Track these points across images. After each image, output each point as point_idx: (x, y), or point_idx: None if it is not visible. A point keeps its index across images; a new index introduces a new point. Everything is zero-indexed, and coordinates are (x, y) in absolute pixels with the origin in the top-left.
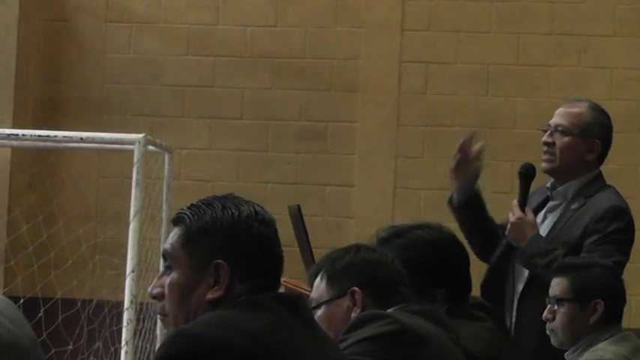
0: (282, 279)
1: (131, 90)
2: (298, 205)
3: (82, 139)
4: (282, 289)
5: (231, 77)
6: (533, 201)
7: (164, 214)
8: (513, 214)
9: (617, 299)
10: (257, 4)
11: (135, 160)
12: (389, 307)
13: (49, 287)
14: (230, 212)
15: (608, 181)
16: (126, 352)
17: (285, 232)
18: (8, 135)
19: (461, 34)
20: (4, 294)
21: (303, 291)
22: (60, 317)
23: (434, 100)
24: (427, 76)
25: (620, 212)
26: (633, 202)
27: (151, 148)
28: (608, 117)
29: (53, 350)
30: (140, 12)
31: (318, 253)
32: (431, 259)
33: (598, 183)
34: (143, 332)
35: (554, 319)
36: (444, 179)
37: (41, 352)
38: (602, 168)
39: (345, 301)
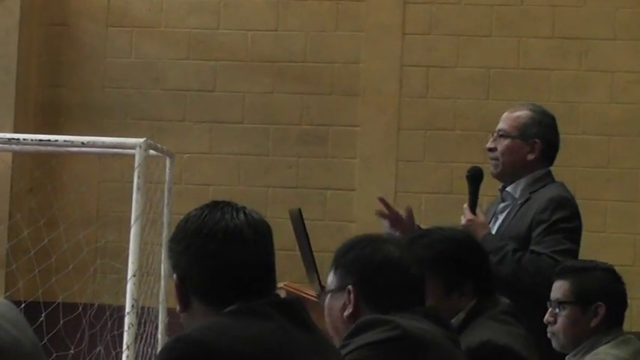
0: (283, 283)
1: (132, 94)
2: (299, 209)
3: (83, 143)
4: (283, 294)
5: (232, 81)
6: (490, 212)
7: (165, 219)
8: (464, 217)
9: (618, 302)
10: (258, 8)
11: (136, 164)
12: (384, 312)
13: (50, 291)
14: (186, 227)
15: (609, 185)
16: (127, 356)
17: (286, 236)
18: (9, 139)
19: (461, 37)
20: (5, 298)
21: (305, 295)
22: (61, 321)
23: (435, 104)
24: (428, 80)
25: (563, 201)
26: (635, 206)
27: (152, 152)
28: (551, 117)
29: (54, 354)
30: (141, 16)
31: (320, 257)
32: (454, 252)
33: (545, 180)
34: (144, 336)
35: (555, 322)
36: (444, 183)
37: (43, 355)
38: (603, 171)
39: (343, 297)
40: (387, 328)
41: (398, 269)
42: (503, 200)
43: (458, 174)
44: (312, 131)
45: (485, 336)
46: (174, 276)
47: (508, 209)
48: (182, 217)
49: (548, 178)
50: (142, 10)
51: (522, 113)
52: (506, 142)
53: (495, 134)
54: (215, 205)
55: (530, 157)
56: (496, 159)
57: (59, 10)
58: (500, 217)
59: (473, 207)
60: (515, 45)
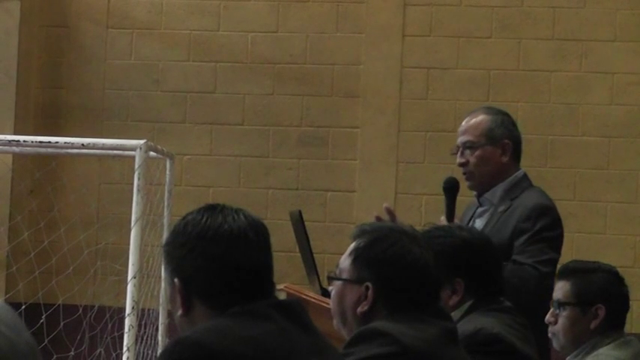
0: (284, 285)
1: (132, 96)
2: (299, 211)
3: (83, 145)
4: (283, 296)
5: (233, 83)
6: (467, 216)
7: (165, 220)
8: None
9: (619, 304)
10: (258, 9)
11: (136, 166)
12: (400, 312)
13: (50, 293)
14: (186, 230)
15: (610, 186)
16: (127, 358)
17: (287, 238)
18: (10, 141)
19: (462, 39)
20: (5, 300)
21: (305, 297)
22: (61, 323)
23: (435, 106)
24: (428, 82)
25: (546, 209)
26: (635, 207)
27: (152, 154)
28: (508, 115)
29: (55, 356)
30: (141, 18)
31: (320, 259)
32: (448, 247)
33: (523, 184)
34: (145, 338)
35: (556, 322)
36: None
37: (40, 358)
38: (604, 172)
39: (359, 290)
40: (383, 342)
41: (422, 274)
42: (480, 205)
43: (458, 176)
44: (312, 133)
45: (479, 324)
46: (176, 280)
47: (487, 215)
48: (178, 222)
49: (526, 182)
50: (142, 11)
51: (481, 118)
52: (477, 152)
53: (460, 148)
54: (213, 208)
55: (504, 159)
56: (471, 172)
57: (59, 12)
58: (479, 222)
59: (450, 218)
60: (515, 46)
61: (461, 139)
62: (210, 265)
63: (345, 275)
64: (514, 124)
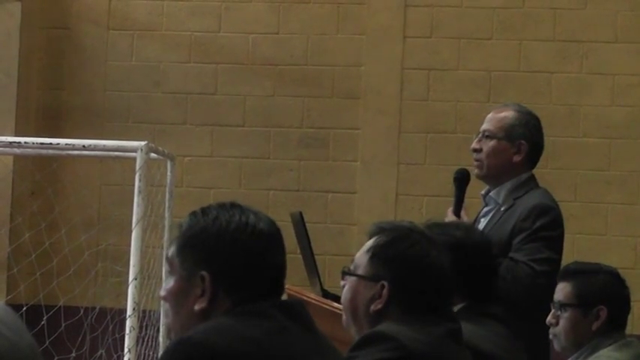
0: (285, 286)
1: (133, 97)
2: (300, 212)
3: (84, 146)
4: (284, 297)
5: (234, 84)
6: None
7: (166, 222)
8: (447, 220)
9: (620, 306)
10: (259, 11)
11: (137, 167)
12: (413, 313)
13: (51, 295)
14: (219, 223)
15: (611, 188)
16: (128, 359)
17: (288, 239)
18: (10, 143)
19: (463, 40)
20: (6, 302)
21: (306, 298)
22: (62, 325)
23: (436, 107)
24: (429, 83)
25: (546, 209)
26: (636, 208)
27: (153, 155)
28: (536, 119)
29: (56, 358)
30: (142, 19)
31: (321, 260)
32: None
33: (529, 185)
34: (146, 340)
35: (557, 323)
36: (445, 186)
37: (41, 359)
38: (605, 174)
39: (374, 288)
40: (389, 347)
41: (439, 277)
42: (486, 204)
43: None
44: (313, 134)
45: None
46: (204, 273)
47: (491, 214)
48: (195, 214)
49: (532, 183)
50: (143, 13)
51: (508, 114)
52: (491, 143)
53: (480, 134)
54: (236, 206)
55: (517, 158)
56: (480, 160)
57: (60, 14)
58: (483, 222)
59: (457, 209)
60: (516, 48)
61: (483, 127)
62: (249, 259)
63: (360, 271)
64: (539, 129)
